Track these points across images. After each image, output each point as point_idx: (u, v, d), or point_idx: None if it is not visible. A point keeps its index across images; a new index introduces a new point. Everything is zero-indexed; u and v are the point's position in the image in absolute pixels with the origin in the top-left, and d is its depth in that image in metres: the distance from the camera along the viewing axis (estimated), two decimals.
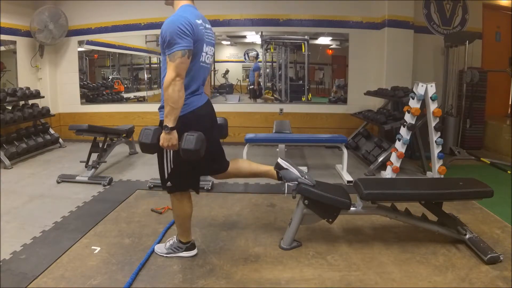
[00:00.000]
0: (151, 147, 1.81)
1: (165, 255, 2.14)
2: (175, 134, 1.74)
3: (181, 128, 1.79)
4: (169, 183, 1.94)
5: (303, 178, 2.12)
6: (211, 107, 2.06)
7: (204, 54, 1.87)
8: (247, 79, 6.62)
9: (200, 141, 1.73)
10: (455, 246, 2.23)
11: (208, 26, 1.91)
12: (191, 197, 2.09)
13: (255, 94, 6.34)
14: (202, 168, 2.05)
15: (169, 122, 1.71)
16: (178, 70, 1.67)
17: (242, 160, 2.27)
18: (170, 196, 2.04)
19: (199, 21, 1.81)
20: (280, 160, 2.14)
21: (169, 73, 1.67)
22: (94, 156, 3.75)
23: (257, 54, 6.49)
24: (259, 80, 6.41)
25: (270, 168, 2.16)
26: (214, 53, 2.01)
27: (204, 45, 1.85)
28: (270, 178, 2.20)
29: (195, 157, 1.76)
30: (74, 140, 5.47)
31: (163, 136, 1.75)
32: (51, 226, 2.54)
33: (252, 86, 6.48)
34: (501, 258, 2.03)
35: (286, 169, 2.12)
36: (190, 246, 2.14)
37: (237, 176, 2.21)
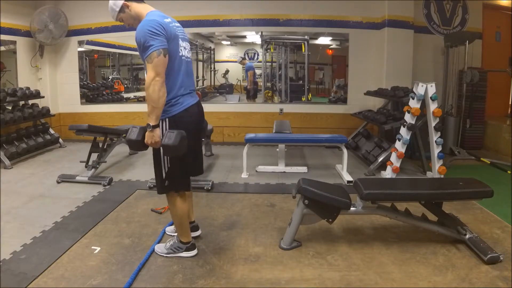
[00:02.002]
0: (137, 143, 1.88)
1: (165, 255, 2.14)
2: (157, 131, 1.82)
3: (175, 126, 1.88)
4: (167, 182, 1.98)
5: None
6: (201, 107, 2.13)
7: (182, 48, 1.95)
8: (246, 79, 6.65)
9: (180, 138, 1.78)
10: (455, 246, 2.23)
11: (177, 24, 1.99)
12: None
13: (249, 94, 6.38)
14: (192, 167, 2.12)
15: (151, 121, 1.79)
16: (157, 69, 1.74)
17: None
18: (167, 197, 2.06)
19: (168, 20, 1.89)
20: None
21: (149, 74, 1.74)
22: (94, 156, 3.75)
23: (242, 58, 6.61)
24: (255, 80, 6.43)
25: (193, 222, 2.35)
26: (190, 49, 2.10)
27: (180, 40, 1.93)
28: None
29: (175, 153, 1.83)
30: (74, 140, 5.47)
31: (147, 134, 1.82)
32: (51, 226, 2.54)
33: (245, 85, 6.53)
34: (501, 258, 2.03)
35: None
36: (190, 246, 2.14)
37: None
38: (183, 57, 1.94)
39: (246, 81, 6.61)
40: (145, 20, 1.81)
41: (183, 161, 1.96)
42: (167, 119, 1.89)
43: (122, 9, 1.93)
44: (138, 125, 1.94)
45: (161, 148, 1.88)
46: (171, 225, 2.55)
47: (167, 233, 2.44)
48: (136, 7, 1.93)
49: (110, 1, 1.94)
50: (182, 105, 1.91)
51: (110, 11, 1.96)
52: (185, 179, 2.06)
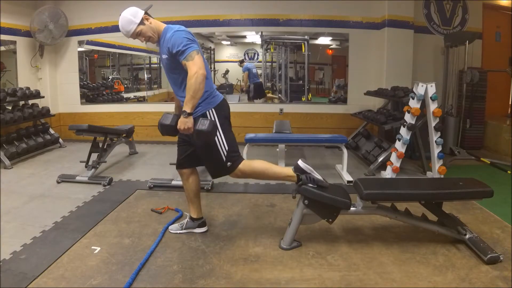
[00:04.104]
0: (169, 128, 2.05)
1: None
2: (191, 119, 1.96)
3: (220, 112, 2.12)
4: (229, 164, 2.14)
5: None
6: None
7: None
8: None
9: (212, 125, 1.98)
10: (455, 246, 2.23)
11: None
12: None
13: (250, 95, 6.37)
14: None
15: (188, 108, 1.94)
16: (198, 64, 1.93)
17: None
18: (236, 174, 2.17)
19: None
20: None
21: (191, 69, 1.92)
22: (94, 156, 3.75)
23: (241, 61, 6.63)
24: (257, 81, 6.42)
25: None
26: None
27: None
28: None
29: (207, 138, 2.01)
30: (74, 140, 5.47)
31: (181, 120, 1.96)
32: (51, 226, 2.54)
33: (242, 88, 6.55)
34: (501, 258, 2.03)
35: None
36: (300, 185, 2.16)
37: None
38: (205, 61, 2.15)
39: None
40: (176, 30, 1.99)
41: (233, 140, 2.17)
42: (213, 109, 2.11)
43: (142, 21, 2.03)
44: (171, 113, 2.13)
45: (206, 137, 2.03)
46: (173, 223, 2.57)
47: (170, 231, 2.45)
48: (153, 20, 2.07)
49: (125, 15, 2.00)
50: (219, 96, 2.18)
51: (125, 24, 2.01)
52: (239, 154, 2.22)
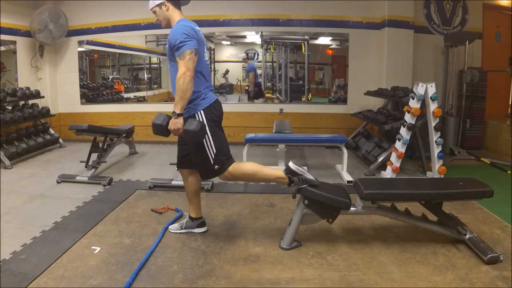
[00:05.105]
0: (161, 128, 2.07)
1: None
2: (181, 119, 2.01)
3: (209, 115, 2.11)
4: (216, 167, 2.13)
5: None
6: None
7: (206, 54, 2.21)
8: (247, 79, 6.63)
9: (200, 126, 2.00)
10: (455, 246, 2.23)
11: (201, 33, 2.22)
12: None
13: (249, 96, 6.34)
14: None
15: (177, 109, 1.99)
16: (188, 65, 1.96)
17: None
18: (223, 178, 2.18)
19: (197, 28, 2.14)
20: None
21: (180, 69, 1.96)
22: (94, 156, 3.75)
23: (247, 56, 6.52)
24: (257, 81, 6.39)
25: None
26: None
27: (204, 47, 2.17)
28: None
29: (194, 138, 2.02)
30: (74, 140, 5.47)
31: (171, 120, 2.02)
32: (51, 226, 2.54)
33: (247, 88, 6.49)
34: (501, 258, 2.03)
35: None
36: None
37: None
38: (206, 62, 2.20)
39: (248, 81, 6.58)
40: (181, 24, 2.05)
41: (223, 143, 2.17)
42: (201, 111, 2.11)
43: (160, 5, 2.15)
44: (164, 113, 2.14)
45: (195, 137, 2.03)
46: (173, 223, 2.57)
47: (170, 230, 2.45)
48: (172, 10, 2.16)
49: None
50: (210, 98, 2.16)
51: (150, 0, 2.18)
52: (230, 156, 2.21)
